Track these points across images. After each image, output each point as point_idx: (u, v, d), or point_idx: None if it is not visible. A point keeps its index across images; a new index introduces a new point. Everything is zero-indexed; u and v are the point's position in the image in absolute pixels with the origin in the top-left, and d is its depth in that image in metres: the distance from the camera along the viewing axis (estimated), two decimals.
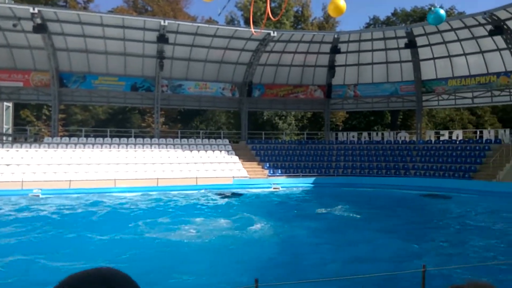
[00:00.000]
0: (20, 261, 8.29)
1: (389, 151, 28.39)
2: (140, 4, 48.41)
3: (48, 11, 23.71)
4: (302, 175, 25.75)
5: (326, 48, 30.35)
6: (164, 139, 28.29)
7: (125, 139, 27.22)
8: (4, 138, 31.97)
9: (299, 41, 29.93)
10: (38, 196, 18.60)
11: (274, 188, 22.91)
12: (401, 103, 31.78)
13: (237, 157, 26.58)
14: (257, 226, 12.39)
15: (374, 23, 47.25)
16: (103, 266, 0.85)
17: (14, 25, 23.66)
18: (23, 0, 37.12)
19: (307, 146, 30.02)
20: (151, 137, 29.60)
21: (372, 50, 30.71)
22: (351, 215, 14.34)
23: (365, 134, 31.63)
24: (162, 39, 25.50)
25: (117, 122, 38.61)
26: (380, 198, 19.65)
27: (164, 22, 24.84)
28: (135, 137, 28.32)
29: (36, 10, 22.37)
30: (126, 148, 25.79)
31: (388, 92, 31.30)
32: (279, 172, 26.17)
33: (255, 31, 24.73)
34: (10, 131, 35.01)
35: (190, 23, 30.71)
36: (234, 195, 19.77)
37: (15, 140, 30.91)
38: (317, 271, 7.69)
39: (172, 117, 42.55)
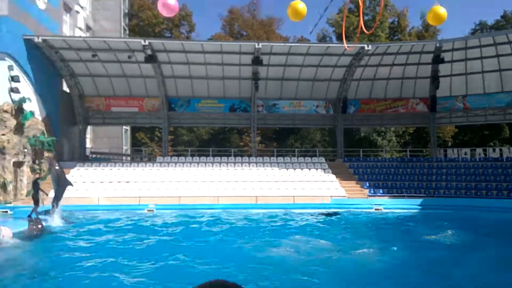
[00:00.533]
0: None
1: (510, 170, 25.14)
2: (236, 30, 51.19)
3: (157, 43, 26.36)
4: (407, 196, 24.07)
5: (428, 58, 28.48)
6: (261, 158, 29.05)
7: (226, 158, 28.61)
8: (124, 158, 36.02)
9: (397, 53, 28.60)
10: (153, 211, 20.39)
11: (376, 209, 21.78)
12: None
13: (333, 176, 26.03)
14: (360, 249, 11.87)
15: (481, 28, 43.18)
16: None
17: (129, 57, 26.74)
18: (135, 34, 41.94)
19: (412, 164, 28.07)
20: (249, 155, 30.66)
21: (482, 58, 27.98)
22: (465, 242, 12.90)
23: (479, 150, 28.60)
24: (256, 61, 26.51)
25: (218, 141, 40.85)
26: (501, 224, 17.39)
27: (258, 44, 25.85)
28: (234, 155, 29.60)
29: (147, 42, 25.02)
30: (227, 166, 27.05)
31: (503, 103, 28.05)
32: (381, 192, 24.87)
33: (348, 46, 24.35)
34: (128, 152, 39.34)
35: (283, 44, 31.53)
36: (334, 214, 19.27)
37: (132, 160, 34.60)
38: None
39: (268, 136, 43.64)
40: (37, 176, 16.91)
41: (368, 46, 25.90)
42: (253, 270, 9.25)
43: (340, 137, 30.89)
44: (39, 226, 13.94)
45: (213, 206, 21.40)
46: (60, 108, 27.03)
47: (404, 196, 24.10)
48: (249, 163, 27.81)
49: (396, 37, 44.94)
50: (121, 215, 18.43)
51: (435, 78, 28.96)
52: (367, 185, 25.49)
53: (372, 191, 24.81)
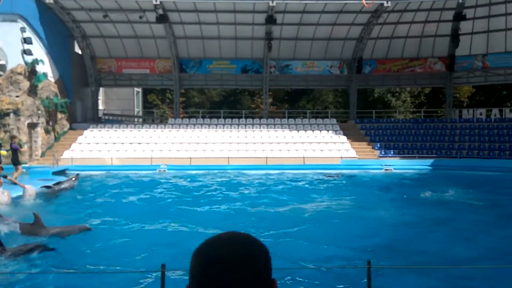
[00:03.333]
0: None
1: None
2: None
3: (168, 2, 25.70)
4: (418, 157, 23.86)
5: (449, 15, 27.12)
6: (272, 120, 28.96)
7: (237, 120, 28.63)
8: (136, 119, 36.47)
9: (417, 10, 27.29)
10: (164, 171, 20.86)
11: (386, 170, 21.74)
12: None
13: (345, 137, 25.87)
14: (366, 207, 11.99)
15: None
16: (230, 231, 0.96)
17: (140, 17, 26.32)
18: None
19: (425, 124, 27.61)
20: (260, 117, 30.58)
21: (506, 14, 26.48)
22: (473, 202, 12.84)
23: (495, 111, 27.76)
24: (270, 20, 25.75)
25: (229, 103, 40.74)
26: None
27: (272, 2, 24.95)
28: (246, 117, 29.57)
29: (158, 1, 24.43)
30: (238, 128, 27.13)
31: None
32: (392, 152, 24.69)
33: (366, 3, 23.36)
34: (140, 114, 39.77)
35: (298, 1, 30.33)
36: (342, 176, 19.34)
37: (144, 122, 35.04)
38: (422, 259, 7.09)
39: (280, 98, 43.20)
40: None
41: (387, 3, 24.70)
42: (268, 223, 9.63)
43: (353, 98, 30.35)
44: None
45: (224, 167, 21.71)
46: (73, 69, 27.21)
47: (415, 157, 23.90)
48: (260, 124, 27.80)
49: None
50: (141, 174, 19.10)
51: (455, 36, 27.74)
52: (378, 146, 25.31)
53: (383, 152, 24.67)
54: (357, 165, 22.37)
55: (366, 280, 4.60)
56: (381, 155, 24.43)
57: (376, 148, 25.22)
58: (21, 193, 12.70)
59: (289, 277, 6.09)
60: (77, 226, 8.84)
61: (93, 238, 8.24)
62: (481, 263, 6.56)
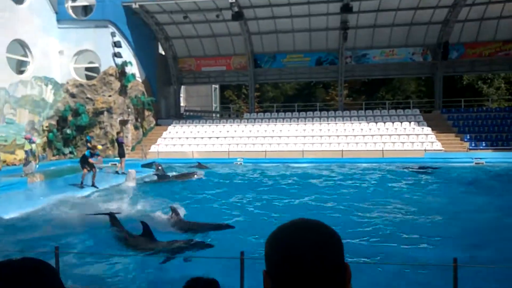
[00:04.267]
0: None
1: None
2: None
3: None
4: None
5: None
6: (348, 112, 28.12)
7: (311, 112, 28.32)
8: (214, 115, 37.99)
9: None
10: (241, 164, 21.48)
11: (476, 163, 19.90)
12: None
13: (429, 128, 24.17)
14: (450, 203, 11.15)
15: None
16: None
17: (217, 16, 27.22)
18: None
19: None
20: (335, 110, 29.87)
21: None
22: None
23: None
24: (346, 8, 24.90)
25: (303, 97, 40.45)
26: None
27: None
28: (320, 110, 29.12)
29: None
30: (312, 121, 26.83)
31: None
32: (483, 144, 22.51)
33: None
34: (217, 109, 41.33)
35: None
36: (426, 169, 18.11)
37: (221, 117, 36.36)
38: None
39: (356, 89, 41.75)
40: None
41: None
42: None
43: (439, 86, 28.22)
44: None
45: (299, 160, 21.66)
46: (157, 70, 29.15)
47: (511, 149, 21.48)
48: (335, 117, 27.17)
49: None
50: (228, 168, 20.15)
51: None
52: (468, 137, 23.23)
53: (473, 144, 22.60)
54: (443, 159, 20.78)
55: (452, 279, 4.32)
56: (471, 148, 22.40)
57: (466, 140, 23.17)
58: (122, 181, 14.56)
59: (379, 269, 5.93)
60: (217, 223, 8.46)
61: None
62: None
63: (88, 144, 19.58)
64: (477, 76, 34.59)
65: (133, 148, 25.05)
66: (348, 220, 9.29)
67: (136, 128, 25.82)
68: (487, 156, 20.64)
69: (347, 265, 0.95)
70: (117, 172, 17.84)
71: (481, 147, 22.31)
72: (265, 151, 23.15)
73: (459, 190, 13.16)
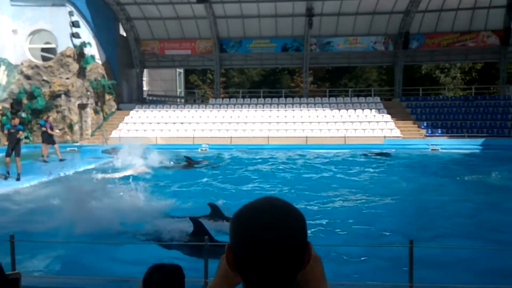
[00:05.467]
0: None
1: None
2: None
3: None
4: (468, 136, 22.66)
5: None
6: (312, 99, 28.52)
7: (276, 99, 28.48)
8: (178, 100, 37.33)
9: None
10: (206, 150, 21.31)
11: (432, 150, 20.90)
12: None
13: (389, 116, 25.02)
14: (399, 186, 11.75)
15: None
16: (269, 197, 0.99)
17: None
18: None
19: (476, 102, 26.05)
20: (300, 96, 30.21)
21: None
22: None
23: None
24: None
25: (269, 83, 40.55)
26: None
27: None
28: (285, 97, 29.33)
29: None
30: (277, 108, 27.01)
31: None
32: (439, 132, 23.62)
33: None
34: (182, 94, 40.63)
35: None
36: (384, 154, 18.84)
37: (186, 102, 35.77)
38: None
39: (320, 76, 42.33)
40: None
41: None
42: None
43: (399, 75, 29.14)
44: None
45: (264, 147, 21.80)
46: (118, 52, 28.11)
47: (464, 136, 22.71)
48: (300, 104, 27.49)
49: None
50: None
51: (511, 7, 25.63)
52: (425, 125, 24.29)
53: (430, 131, 23.67)
54: (401, 145, 21.65)
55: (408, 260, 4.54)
56: (427, 135, 23.45)
57: (423, 127, 24.22)
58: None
59: (334, 253, 6.13)
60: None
61: None
62: None
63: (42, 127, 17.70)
64: (435, 66, 35.97)
65: (93, 133, 24.22)
66: (307, 203, 9.53)
67: (96, 112, 24.93)
68: (443, 143, 21.71)
69: (309, 244, 0.96)
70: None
71: (437, 134, 23.41)
72: (231, 137, 23.10)
73: (413, 175, 13.82)
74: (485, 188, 11.68)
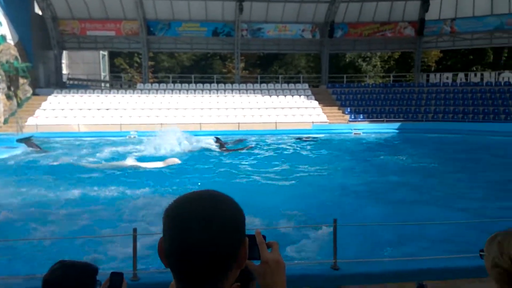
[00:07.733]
0: None
1: (488, 94, 25.50)
2: None
3: None
4: (387, 121, 24.53)
5: None
6: (244, 85, 28.70)
7: (208, 85, 28.18)
8: (103, 84, 35.24)
9: None
10: (135, 137, 20.51)
11: (354, 134, 22.32)
12: (507, 39, 27.72)
13: (316, 102, 26.10)
14: (314, 168, 12.51)
15: None
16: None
17: None
18: None
19: (393, 89, 28.18)
20: (232, 82, 30.21)
21: None
22: (428, 164, 13.51)
23: (461, 75, 28.57)
24: None
25: (200, 68, 39.89)
26: (469, 145, 18.10)
27: None
28: (217, 82, 29.14)
29: None
30: (209, 93, 26.77)
31: (491, 27, 27.42)
32: (361, 117, 25.22)
33: None
34: (107, 78, 38.38)
35: None
36: (311, 139, 19.79)
37: (111, 87, 33.90)
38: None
39: (252, 62, 42.61)
40: None
41: None
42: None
43: (325, 63, 30.36)
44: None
45: (196, 133, 21.52)
46: (33, 32, 25.60)
47: (383, 120, 24.56)
48: (232, 90, 27.52)
49: None
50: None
51: (425, 0, 27.88)
52: (349, 110, 25.77)
53: (353, 117, 25.16)
54: (327, 130, 22.80)
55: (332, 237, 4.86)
56: (351, 120, 24.92)
57: (347, 112, 25.66)
58: None
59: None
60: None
61: None
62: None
63: None
64: (357, 54, 38.04)
65: (6, 121, 22.01)
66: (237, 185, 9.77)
67: (8, 97, 22.63)
68: (364, 127, 23.26)
69: (245, 240, 0.92)
70: None
71: (359, 119, 24.99)
72: (161, 123, 22.40)
73: (334, 156, 14.79)
74: (398, 167, 12.81)
